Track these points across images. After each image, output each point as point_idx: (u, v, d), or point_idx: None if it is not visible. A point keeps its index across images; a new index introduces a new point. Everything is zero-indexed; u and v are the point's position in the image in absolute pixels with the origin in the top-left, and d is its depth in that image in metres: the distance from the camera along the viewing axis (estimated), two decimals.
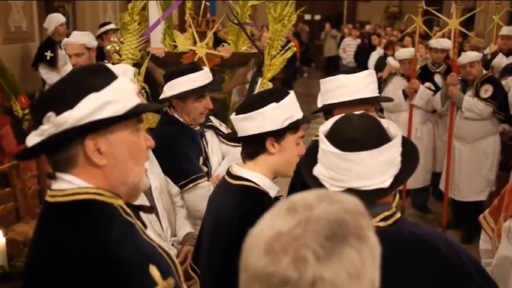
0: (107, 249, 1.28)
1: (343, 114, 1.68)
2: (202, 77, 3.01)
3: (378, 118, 1.63)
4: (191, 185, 2.99)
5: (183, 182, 2.99)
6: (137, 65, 3.56)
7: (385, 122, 1.63)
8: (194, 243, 2.64)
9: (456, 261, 1.53)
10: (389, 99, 3.03)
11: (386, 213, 1.56)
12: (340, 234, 0.90)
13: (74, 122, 1.30)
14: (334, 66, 15.32)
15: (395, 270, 1.45)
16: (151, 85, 3.53)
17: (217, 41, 4.92)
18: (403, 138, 1.63)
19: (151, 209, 1.54)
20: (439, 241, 1.55)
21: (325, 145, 1.56)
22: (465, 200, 5.63)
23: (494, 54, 7.09)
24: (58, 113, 1.31)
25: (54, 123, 1.30)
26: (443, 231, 5.66)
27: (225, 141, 3.24)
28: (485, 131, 5.45)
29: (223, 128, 3.32)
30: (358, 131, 1.55)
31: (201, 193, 2.94)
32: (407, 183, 6.16)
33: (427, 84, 6.05)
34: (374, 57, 11.23)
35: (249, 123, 2.03)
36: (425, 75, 6.18)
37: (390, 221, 1.56)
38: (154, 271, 1.30)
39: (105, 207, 1.36)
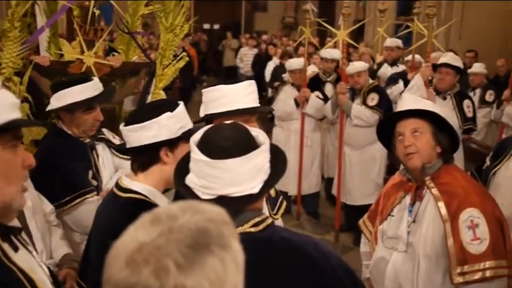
0: None
1: (212, 124, 1.70)
2: (91, 88, 2.90)
3: (248, 127, 1.67)
4: (78, 200, 2.86)
5: (70, 196, 2.86)
6: (19, 74, 3.38)
7: (254, 131, 1.66)
8: (72, 266, 2.56)
9: (327, 266, 1.58)
10: (270, 109, 3.10)
11: (257, 219, 1.59)
12: (203, 243, 0.92)
13: None
14: (233, 76, 15.47)
15: (265, 275, 1.49)
16: (35, 95, 3.37)
17: (110, 50, 4.80)
18: (272, 145, 1.68)
19: (21, 230, 1.46)
20: (309, 246, 1.60)
21: (195, 154, 1.57)
22: (356, 204, 5.83)
23: (380, 65, 7.48)
24: None
25: None
26: (336, 234, 5.89)
27: (118, 154, 3.16)
28: (372, 137, 5.62)
29: (117, 141, 3.21)
30: (227, 139, 1.57)
31: (90, 208, 2.80)
32: (302, 189, 6.36)
33: (316, 93, 6.25)
34: (270, 66, 11.48)
35: (145, 133, 2.00)
36: (317, 84, 6.40)
37: (261, 227, 1.58)
38: None
39: None
